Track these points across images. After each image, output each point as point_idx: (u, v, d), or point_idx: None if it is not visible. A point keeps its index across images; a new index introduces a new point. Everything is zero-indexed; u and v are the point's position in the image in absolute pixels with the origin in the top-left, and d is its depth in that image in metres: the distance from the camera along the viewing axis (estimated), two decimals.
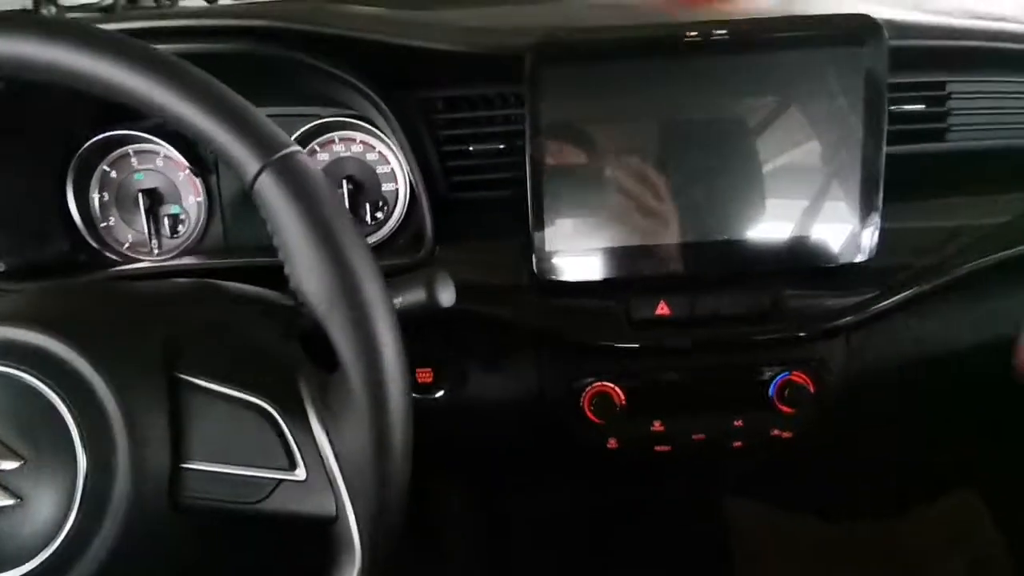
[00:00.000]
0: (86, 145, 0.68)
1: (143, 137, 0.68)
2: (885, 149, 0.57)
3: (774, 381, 0.62)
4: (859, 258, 0.59)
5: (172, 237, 0.72)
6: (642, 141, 0.57)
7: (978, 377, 0.65)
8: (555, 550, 0.64)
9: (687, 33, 0.56)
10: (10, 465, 0.34)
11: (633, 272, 0.59)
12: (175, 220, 0.72)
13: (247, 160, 0.36)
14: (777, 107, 0.57)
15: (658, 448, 0.63)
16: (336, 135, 0.71)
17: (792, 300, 0.60)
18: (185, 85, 0.36)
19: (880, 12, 0.64)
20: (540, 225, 0.58)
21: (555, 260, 0.59)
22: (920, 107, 0.64)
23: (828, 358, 0.62)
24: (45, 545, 0.34)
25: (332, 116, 0.69)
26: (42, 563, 0.34)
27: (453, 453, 0.62)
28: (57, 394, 0.35)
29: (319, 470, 0.37)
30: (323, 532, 0.38)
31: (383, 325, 0.37)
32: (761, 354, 0.62)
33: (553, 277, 0.59)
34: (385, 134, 0.66)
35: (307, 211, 0.36)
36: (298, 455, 0.37)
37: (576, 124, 0.57)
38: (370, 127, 0.69)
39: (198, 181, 0.70)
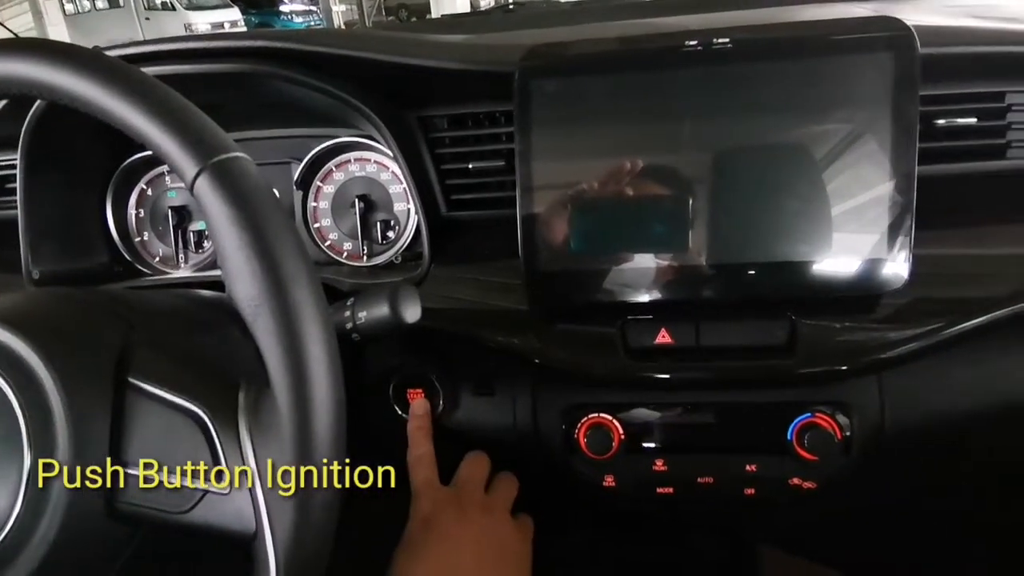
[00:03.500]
0: (124, 164, 0.72)
1: None
2: (917, 168, 0.51)
3: (793, 423, 0.56)
4: (888, 287, 0.52)
5: (197, 252, 0.75)
6: (638, 158, 0.54)
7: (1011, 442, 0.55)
8: None
9: (686, 42, 0.52)
10: None
11: (632, 297, 0.55)
12: (200, 236, 0.75)
13: (186, 163, 0.36)
14: (789, 121, 0.52)
15: (660, 490, 0.58)
16: (352, 155, 0.72)
17: (811, 332, 0.54)
18: (128, 88, 0.36)
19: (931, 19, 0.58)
20: (530, 245, 0.55)
21: (547, 283, 0.56)
22: (972, 121, 0.56)
23: (855, 401, 0.55)
24: None
25: (348, 137, 0.70)
26: None
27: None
28: (12, 390, 0.36)
29: (242, 486, 0.36)
30: (245, 551, 0.37)
31: (312, 335, 0.36)
32: (776, 392, 0.56)
33: (544, 301, 0.56)
34: (384, 148, 0.66)
35: (239, 213, 0.36)
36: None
37: (566, 140, 0.54)
38: (383, 148, 0.69)
39: None
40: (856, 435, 0.55)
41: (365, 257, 0.72)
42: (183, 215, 0.74)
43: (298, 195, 0.73)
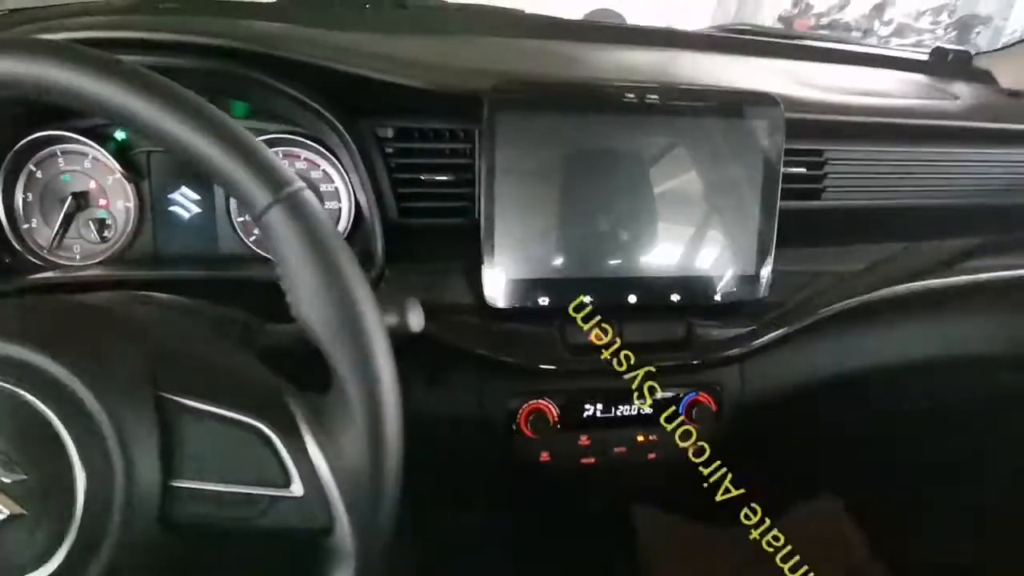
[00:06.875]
0: (16, 147, 0.64)
1: (72, 138, 0.65)
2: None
3: (683, 400, 0.71)
4: (756, 295, 0.69)
5: (98, 243, 0.69)
6: (580, 185, 0.64)
7: (842, 406, 0.78)
8: (482, 563, 0.68)
9: (625, 94, 0.63)
10: (14, 478, 0.34)
11: (569, 301, 0.66)
12: (101, 225, 0.69)
13: (258, 194, 0.38)
14: (695, 164, 0.66)
15: (583, 460, 0.70)
16: (280, 151, 0.71)
17: (701, 330, 0.69)
18: (199, 119, 0.37)
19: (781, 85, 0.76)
20: (491, 255, 0.63)
21: (503, 288, 0.64)
22: (802, 170, 0.76)
23: (726, 382, 0.72)
24: (44, 562, 0.34)
25: (277, 132, 0.70)
26: None
27: None
28: (53, 411, 0.35)
29: (315, 486, 0.39)
30: (317, 544, 0.40)
31: (382, 352, 0.41)
32: (675, 377, 0.71)
33: (501, 303, 0.64)
34: (338, 156, 0.68)
35: (314, 245, 0.39)
36: (294, 472, 0.39)
37: (524, 165, 0.63)
38: (314, 145, 0.70)
39: (129, 186, 0.68)
40: (725, 408, 0.72)
41: None
42: (81, 201, 0.67)
43: (221, 189, 0.70)
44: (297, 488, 0.39)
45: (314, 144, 0.70)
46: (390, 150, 0.66)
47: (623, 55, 0.84)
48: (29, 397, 0.35)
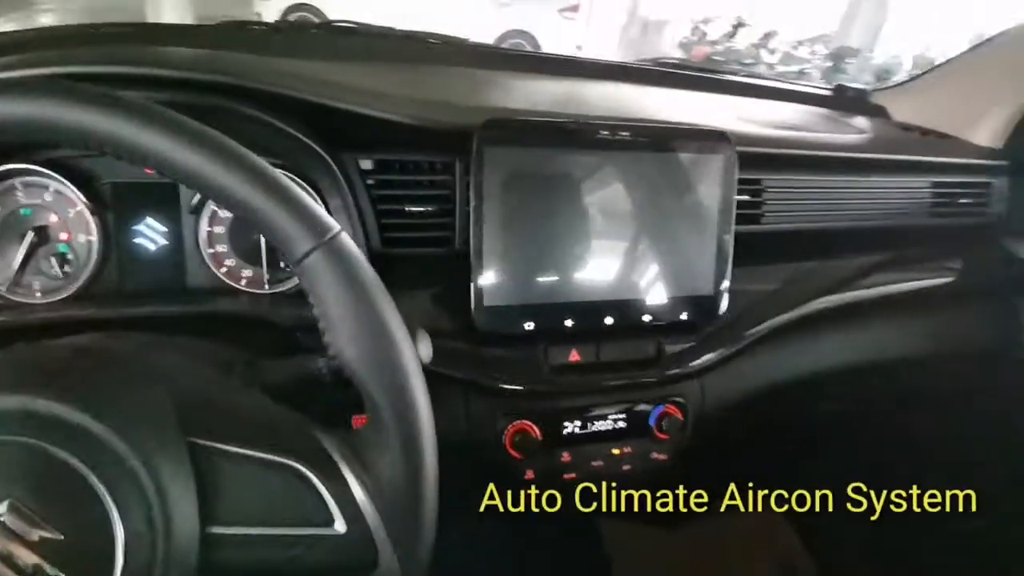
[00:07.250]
0: None
1: (34, 170, 0.62)
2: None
3: (653, 414, 0.76)
4: (716, 313, 0.76)
5: (60, 279, 0.65)
6: (560, 215, 0.68)
7: (789, 411, 0.86)
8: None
9: (600, 131, 0.68)
10: (46, 536, 0.33)
11: (551, 325, 0.69)
12: (62, 259, 0.65)
13: (299, 240, 0.39)
14: (661, 196, 0.72)
15: (566, 476, 0.73)
16: None
17: (668, 348, 0.75)
18: (238, 165, 0.38)
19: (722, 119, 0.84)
20: (479, 284, 0.65)
21: (490, 314, 0.67)
22: (746, 197, 0.83)
23: (689, 394, 0.78)
24: None
25: None
26: None
27: None
28: (87, 465, 0.35)
29: (358, 522, 0.40)
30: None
31: (419, 388, 0.43)
32: (645, 392, 0.76)
33: (488, 329, 0.67)
34: (319, 187, 0.68)
35: (354, 287, 0.40)
36: (336, 510, 0.40)
37: (509, 198, 0.65)
38: (289, 175, 0.70)
39: (93, 219, 0.65)
40: (689, 418, 0.78)
41: (267, 284, 0.71)
42: (41, 235, 0.64)
43: (189, 220, 0.69)
44: (340, 525, 0.40)
45: (289, 174, 0.70)
46: (371, 181, 0.68)
47: (574, 87, 0.89)
48: (59, 452, 0.34)
